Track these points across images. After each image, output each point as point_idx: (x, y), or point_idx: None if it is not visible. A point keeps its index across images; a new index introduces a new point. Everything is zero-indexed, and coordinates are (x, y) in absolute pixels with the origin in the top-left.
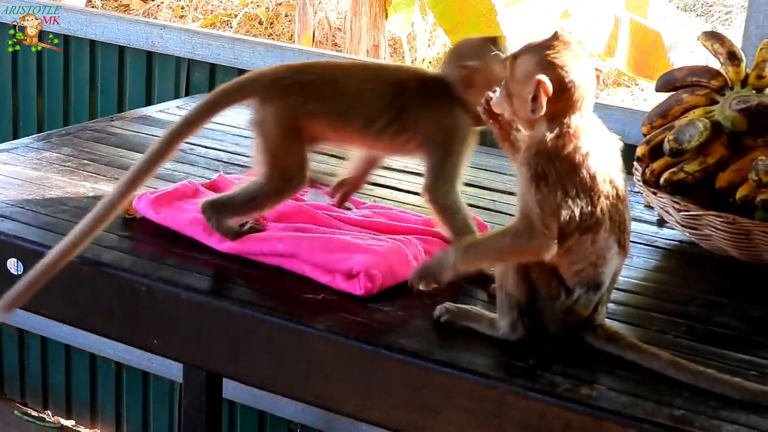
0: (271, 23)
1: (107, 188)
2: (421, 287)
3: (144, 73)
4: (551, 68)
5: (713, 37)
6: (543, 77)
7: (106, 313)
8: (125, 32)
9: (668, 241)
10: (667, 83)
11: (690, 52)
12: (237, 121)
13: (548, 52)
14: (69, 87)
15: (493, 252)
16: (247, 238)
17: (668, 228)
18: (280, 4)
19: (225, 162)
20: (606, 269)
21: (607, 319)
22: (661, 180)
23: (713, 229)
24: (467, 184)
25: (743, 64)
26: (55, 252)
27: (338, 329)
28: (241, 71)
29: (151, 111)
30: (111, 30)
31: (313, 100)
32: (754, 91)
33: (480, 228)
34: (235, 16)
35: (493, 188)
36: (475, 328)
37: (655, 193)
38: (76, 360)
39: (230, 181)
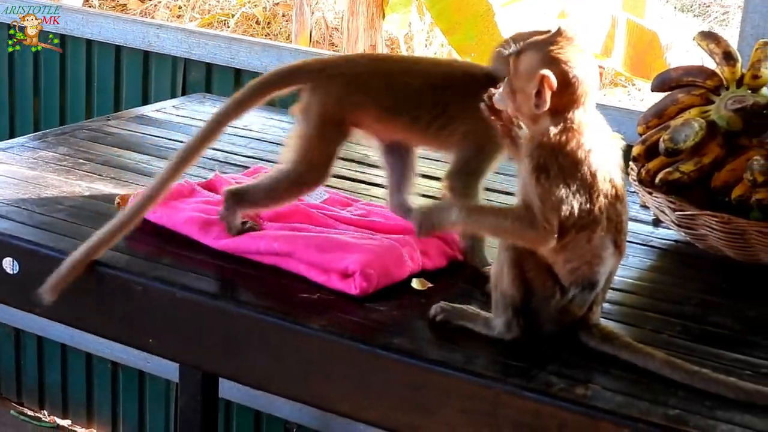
0: (269, 23)
1: (103, 187)
2: (420, 234)
3: (140, 73)
4: (555, 63)
5: (709, 37)
6: (547, 72)
7: (102, 313)
8: (122, 32)
9: (664, 241)
10: (663, 83)
11: (685, 52)
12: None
13: (552, 47)
14: (66, 86)
15: (492, 227)
16: (243, 237)
17: (664, 228)
18: (278, 3)
19: (221, 161)
20: (601, 269)
21: (602, 319)
22: (657, 180)
23: (709, 229)
24: None
25: (739, 64)
26: (103, 231)
27: (334, 329)
28: (238, 71)
29: (148, 110)
30: (108, 29)
31: (361, 92)
32: (749, 91)
33: None
34: (233, 15)
35: (491, 188)
36: (470, 327)
37: (650, 193)
38: (73, 359)
39: (226, 181)
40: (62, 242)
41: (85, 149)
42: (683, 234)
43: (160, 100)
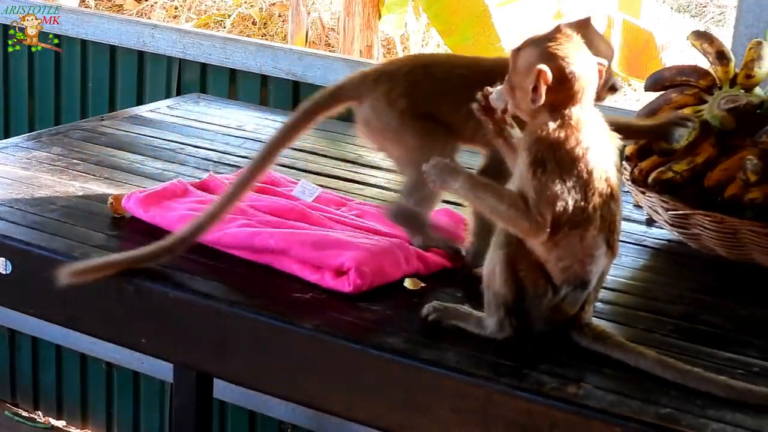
0: (265, 23)
1: (96, 188)
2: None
3: (135, 73)
4: (552, 59)
5: (702, 36)
6: (543, 66)
7: (95, 313)
8: (116, 32)
9: (657, 241)
10: (656, 82)
11: (681, 52)
12: (227, 120)
13: (550, 44)
14: (60, 86)
15: (489, 206)
16: (238, 233)
17: (657, 227)
18: (274, 4)
19: (215, 161)
20: (593, 268)
21: (594, 318)
22: (650, 179)
23: (701, 229)
24: None
25: (732, 64)
26: (149, 249)
27: (327, 328)
28: (233, 71)
29: (142, 111)
30: (102, 30)
31: (408, 89)
32: (742, 91)
33: (456, 222)
34: (229, 16)
35: None
36: (462, 326)
37: (643, 193)
38: (67, 360)
39: (220, 181)
40: (55, 242)
41: (79, 149)
42: (676, 233)
43: (155, 101)
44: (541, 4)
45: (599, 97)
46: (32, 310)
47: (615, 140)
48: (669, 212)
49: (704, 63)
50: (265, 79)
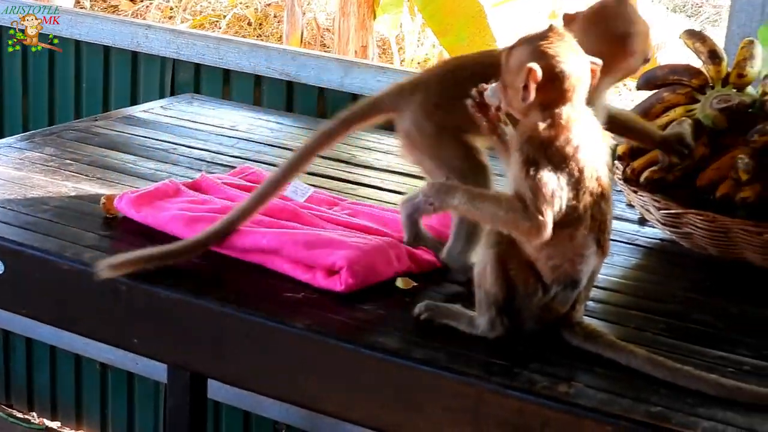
0: (260, 24)
1: (89, 188)
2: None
3: (129, 73)
4: (543, 57)
5: (695, 35)
6: (533, 65)
7: (87, 313)
8: (110, 32)
9: (649, 240)
10: (648, 82)
11: (676, 52)
12: (220, 121)
13: (541, 42)
14: (54, 87)
15: (489, 215)
16: (230, 234)
17: (649, 226)
18: (269, 4)
19: (208, 162)
20: (584, 267)
21: (586, 317)
22: (642, 178)
23: (693, 228)
24: None
25: (724, 63)
26: (184, 242)
27: (319, 328)
28: (227, 71)
29: (135, 111)
30: (96, 30)
31: (442, 97)
32: (734, 90)
33: (447, 222)
34: (224, 17)
35: None
36: (454, 326)
37: (635, 192)
38: (61, 361)
39: (213, 181)
40: (48, 242)
41: (72, 150)
42: (668, 232)
43: (149, 101)
44: (536, 4)
45: (633, 70)
46: (25, 310)
47: (607, 139)
48: (661, 211)
49: (697, 62)
50: (258, 79)
